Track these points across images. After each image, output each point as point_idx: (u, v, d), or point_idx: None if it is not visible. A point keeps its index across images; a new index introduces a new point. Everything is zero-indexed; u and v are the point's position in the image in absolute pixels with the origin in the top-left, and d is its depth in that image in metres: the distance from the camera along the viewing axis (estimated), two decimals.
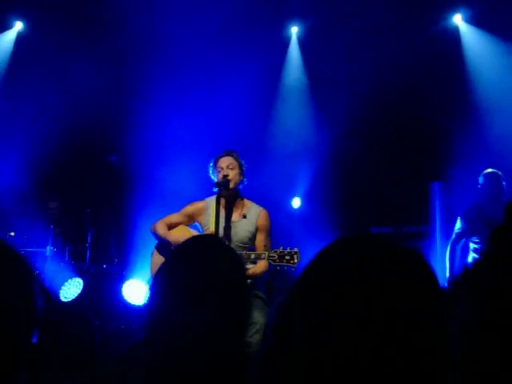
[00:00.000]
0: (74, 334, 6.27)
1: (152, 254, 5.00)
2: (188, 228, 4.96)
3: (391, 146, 7.91)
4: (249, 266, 4.62)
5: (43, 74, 7.90)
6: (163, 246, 4.86)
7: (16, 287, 1.41)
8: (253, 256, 4.55)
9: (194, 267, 1.82)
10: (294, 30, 8.56)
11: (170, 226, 4.91)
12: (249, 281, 4.46)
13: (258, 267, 4.60)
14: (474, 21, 7.99)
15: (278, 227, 6.17)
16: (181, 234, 4.68)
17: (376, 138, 7.93)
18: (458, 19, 8.10)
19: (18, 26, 8.34)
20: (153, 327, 1.81)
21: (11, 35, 8.35)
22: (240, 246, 4.64)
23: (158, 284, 1.87)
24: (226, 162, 4.78)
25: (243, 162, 4.86)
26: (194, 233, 4.85)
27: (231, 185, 4.69)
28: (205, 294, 1.77)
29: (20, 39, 8.33)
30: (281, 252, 4.48)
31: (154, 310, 1.82)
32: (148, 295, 1.89)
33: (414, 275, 0.94)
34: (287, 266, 4.47)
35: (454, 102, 7.79)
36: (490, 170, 6.02)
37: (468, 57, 8.06)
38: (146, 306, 1.89)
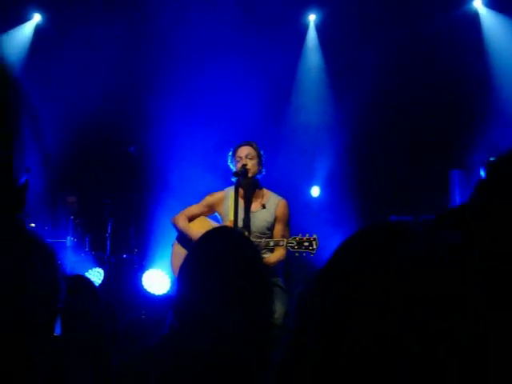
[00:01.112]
0: (95, 324, 6.32)
1: (172, 245, 5.02)
2: (208, 219, 4.98)
3: (412, 133, 7.84)
4: (266, 254, 4.63)
5: (61, 66, 7.93)
6: (184, 237, 4.88)
7: (41, 275, 1.41)
8: (272, 243, 4.56)
9: (216, 259, 1.83)
10: (312, 18, 8.50)
11: (191, 218, 4.93)
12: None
13: (272, 256, 4.61)
14: (494, 5, 7.89)
15: (298, 216, 6.16)
16: (201, 227, 4.70)
17: (396, 126, 7.87)
18: (478, 3, 8.00)
19: (37, 18, 8.38)
20: (181, 320, 1.81)
21: (29, 27, 8.39)
22: (258, 236, 4.65)
23: (183, 277, 1.88)
24: (244, 151, 4.79)
25: (262, 152, 4.86)
26: (214, 224, 4.86)
27: (250, 174, 4.70)
28: (231, 286, 1.77)
29: (38, 31, 8.37)
30: (300, 239, 4.49)
31: (181, 302, 1.83)
32: (174, 288, 1.91)
33: (437, 264, 0.92)
34: (306, 252, 4.48)
35: (475, 89, 7.69)
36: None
37: (488, 41, 7.96)
38: (172, 298, 1.90)
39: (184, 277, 1.87)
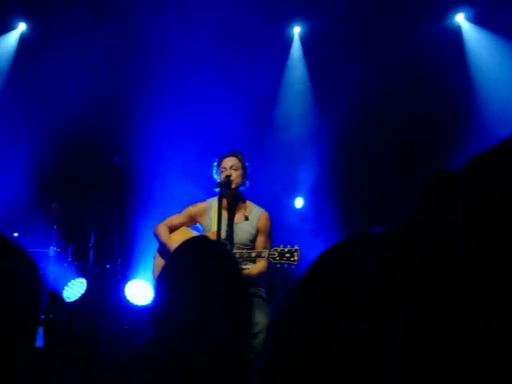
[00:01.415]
0: (77, 334, 6.28)
1: (154, 257, 5.01)
2: (190, 230, 4.97)
3: (395, 146, 7.90)
4: (248, 265, 4.63)
5: (45, 76, 7.91)
6: (165, 249, 4.87)
7: (22, 284, 1.40)
8: (253, 254, 4.57)
9: (195, 268, 1.84)
10: (297, 30, 8.55)
11: (172, 228, 4.92)
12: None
13: (254, 268, 4.62)
14: (476, 20, 7.98)
15: (281, 227, 6.18)
16: (183, 237, 4.69)
17: (380, 138, 7.92)
18: (460, 18, 8.09)
19: (22, 27, 8.36)
20: (159, 328, 1.83)
21: (14, 36, 8.37)
22: (241, 247, 4.66)
23: (161, 286, 1.89)
24: (229, 162, 4.80)
25: (247, 164, 4.88)
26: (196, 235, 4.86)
27: (233, 185, 4.70)
28: (209, 294, 1.79)
29: (23, 40, 8.35)
30: (281, 250, 4.50)
31: (159, 311, 1.84)
32: (153, 297, 1.92)
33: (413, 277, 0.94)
34: (287, 263, 4.48)
35: (457, 101, 7.77)
36: None
37: (470, 55, 8.05)
38: (151, 307, 1.91)
39: (162, 285, 1.89)
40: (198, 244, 2.01)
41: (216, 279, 1.82)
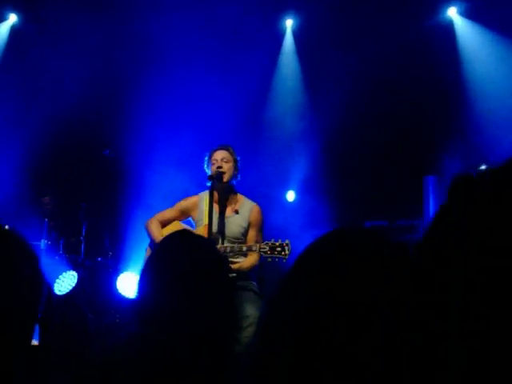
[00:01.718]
0: (68, 328, 6.27)
1: (146, 250, 5.00)
2: (182, 224, 4.96)
3: (386, 139, 7.91)
4: (239, 259, 4.64)
5: (37, 68, 7.88)
6: (154, 242, 4.86)
7: (24, 275, 1.37)
8: (244, 248, 4.56)
9: (177, 261, 1.86)
10: (289, 23, 8.53)
11: (164, 223, 4.91)
12: (234, 274, 4.49)
13: (246, 261, 4.62)
14: (468, 14, 7.98)
15: (273, 221, 6.18)
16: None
17: (371, 132, 7.93)
18: (452, 12, 8.09)
19: (12, 18, 8.29)
20: (142, 323, 1.83)
21: (5, 28, 8.30)
22: (232, 241, 4.66)
23: (143, 280, 1.90)
24: (220, 155, 4.80)
25: (238, 157, 4.88)
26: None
27: (225, 178, 4.70)
28: (189, 287, 1.80)
29: (14, 32, 8.29)
30: (272, 244, 4.50)
31: (142, 305, 1.85)
32: (136, 291, 1.92)
33: (400, 269, 0.94)
34: (278, 257, 4.48)
35: (449, 96, 7.79)
36: (483, 167, 6.03)
37: (462, 50, 8.06)
38: (134, 301, 1.92)
39: (145, 279, 1.89)
40: (180, 238, 2.02)
41: (198, 272, 1.83)
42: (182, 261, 1.85)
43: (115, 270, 7.17)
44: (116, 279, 6.98)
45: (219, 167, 4.70)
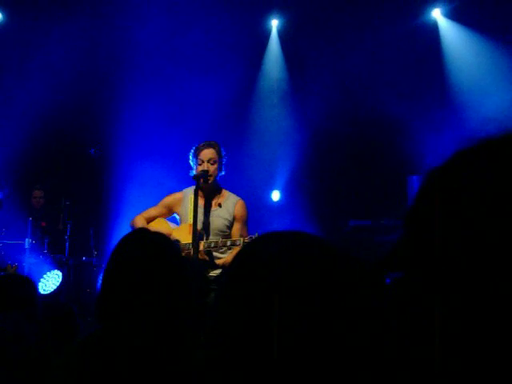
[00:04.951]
0: (54, 327, 6.24)
1: None
2: (166, 221, 4.96)
3: (370, 139, 7.96)
4: (225, 254, 4.65)
5: (22, 66, 7.85)
6: None
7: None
8: (228, 243, 4.56)
9: (131, 258, 1.95)
10: (275, 23, 8.55)
11: (150, 220, 4.91)
12: (219, 269, 4.54)
13: (230, 256, 4.63)
14: (452, 15, 8.05)
15: (258, 220, 6.20)
16: (159, 229, 4.68)
17: (356, 132, 7.98)
18: (436, 13, 8.16)
19: None
20: (104, 317, 1.89)
21: None
22: (218, 234, 4.67)
23: (105, 275, 1.99)
24: (207, 155, 4.75)
25: (224, 153, 4.87)
26: (172, 226, 4.87)
27: (210, 180, 4.70)
28: (147, 280, 1.88)
29: None
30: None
31: (104, 300, 1.91)
32: (98, 287, 2.01)
33: (332, 271, 0.95)
34: None
35: (433, 96, 7.86)
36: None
37: (446, 51, 8.13)
38: (96, 298, 2.00)
39: (106, 274, 1.98)
40: (136, 234, 2.13)
41: (153, 265, 1.90)
42: (142, 256, 1.94)
43: (100, 269, 7.15)
44: (100, 278, 6.96)
45: (205, 171, 4.67)
